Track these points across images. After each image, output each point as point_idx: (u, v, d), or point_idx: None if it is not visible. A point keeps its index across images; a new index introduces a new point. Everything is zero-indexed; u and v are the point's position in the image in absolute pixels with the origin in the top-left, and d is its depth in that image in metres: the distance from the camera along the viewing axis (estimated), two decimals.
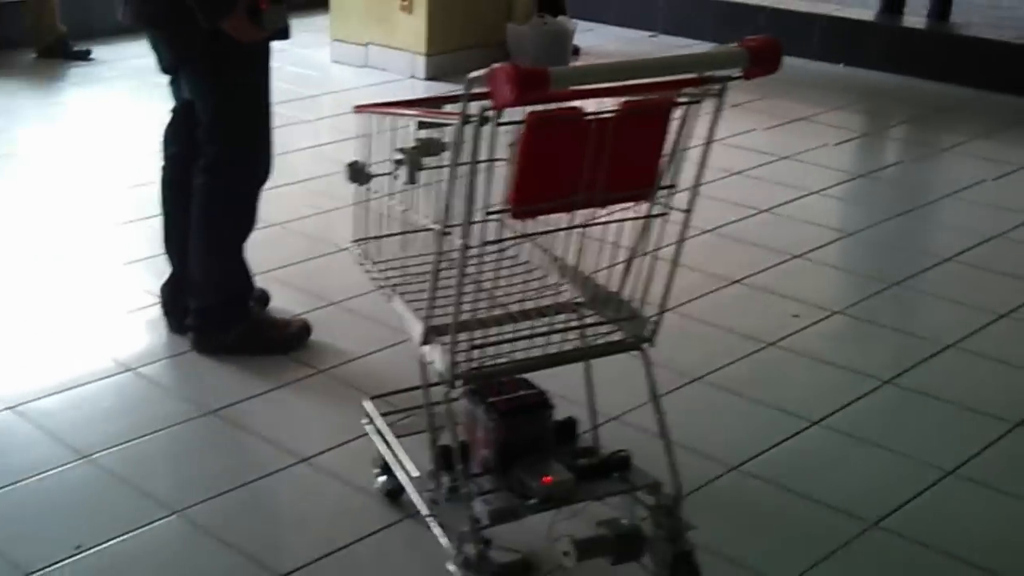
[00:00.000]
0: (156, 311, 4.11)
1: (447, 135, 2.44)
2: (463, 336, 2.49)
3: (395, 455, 2.86)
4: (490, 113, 2.20)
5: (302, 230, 4.96)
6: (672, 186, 2.51)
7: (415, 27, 7.37)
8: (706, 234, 4.96)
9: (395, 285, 2.76)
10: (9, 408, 3.58)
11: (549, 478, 2.60)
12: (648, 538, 2.67)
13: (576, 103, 2.32)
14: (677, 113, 2.43)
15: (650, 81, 2.38)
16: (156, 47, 3.73)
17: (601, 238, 2.58)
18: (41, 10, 7.63)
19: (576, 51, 7.77)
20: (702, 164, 2.47)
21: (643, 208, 2.52)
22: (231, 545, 2.97)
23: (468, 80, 2.18)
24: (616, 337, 2.62)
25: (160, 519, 3.07)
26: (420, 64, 7.35)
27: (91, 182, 5.59)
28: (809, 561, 2.97)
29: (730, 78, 2.35)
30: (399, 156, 2.52)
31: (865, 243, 5.11)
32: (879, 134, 7.02)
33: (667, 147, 2.47)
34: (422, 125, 2.52)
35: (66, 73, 7.55)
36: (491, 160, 2.27)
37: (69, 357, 3.91)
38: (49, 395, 3.66)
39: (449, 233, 2.37)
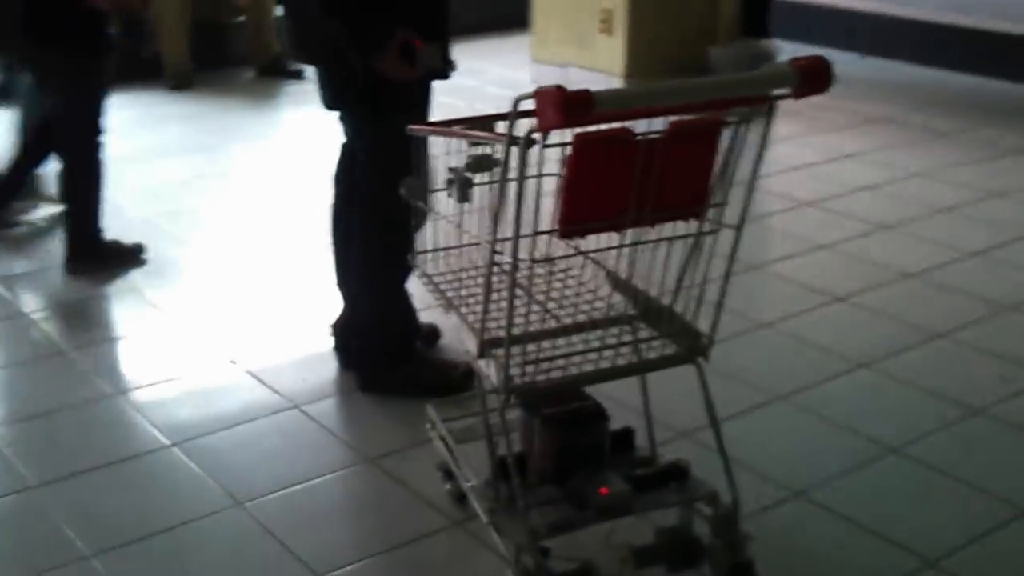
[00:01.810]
0: (331, 346, 3.76)
1: (499, 152, 2.31)
2: (517, 350, 2.39)
3: (456, 462, 2.75)
4: (536, 135, 2.09)
5: None
6: (723, 204, 2.37)
7: (614, 49, 6.91)
8: (910, 279, 4.36)
9: (451, 298, 2.67)
10: (176, 444, 3.30)
11: (606, 489, 2.47)
12: (705, 547, 2.54)
13: (626, 123, 2.21)
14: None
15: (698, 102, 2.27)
16: (320, 83, 3.43)
17: (653, 253, 2.42)
18: (259, 30, 7.51)
19: None
20: (752, 180, 2.32)
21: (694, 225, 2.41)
22: None
23: (515, 101, 2.09)
24: (670, 351, 2.48)
25: None
26: (618, 86, 6.82)
27: (294, 204, 5.27)
28: None
29: (779, 97, 2.22)
30: (450, 176, 2.45)
31: None
32: None
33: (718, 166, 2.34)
34: (473, 143, 2.44)
35: (281, 91, 7.34)
36: (539, 175, 2.18)
37: (241, 389, 3.61)
38: (216, 431, 3.37)
39: (501, 252, 2.27)
